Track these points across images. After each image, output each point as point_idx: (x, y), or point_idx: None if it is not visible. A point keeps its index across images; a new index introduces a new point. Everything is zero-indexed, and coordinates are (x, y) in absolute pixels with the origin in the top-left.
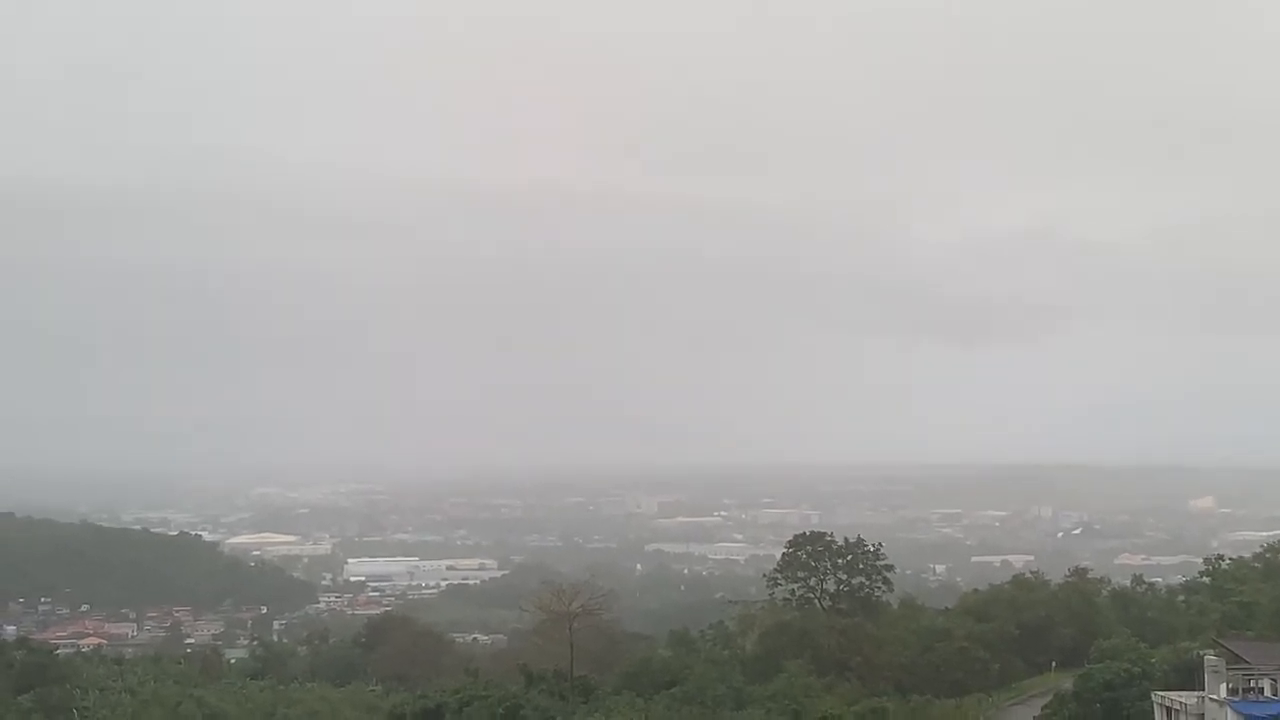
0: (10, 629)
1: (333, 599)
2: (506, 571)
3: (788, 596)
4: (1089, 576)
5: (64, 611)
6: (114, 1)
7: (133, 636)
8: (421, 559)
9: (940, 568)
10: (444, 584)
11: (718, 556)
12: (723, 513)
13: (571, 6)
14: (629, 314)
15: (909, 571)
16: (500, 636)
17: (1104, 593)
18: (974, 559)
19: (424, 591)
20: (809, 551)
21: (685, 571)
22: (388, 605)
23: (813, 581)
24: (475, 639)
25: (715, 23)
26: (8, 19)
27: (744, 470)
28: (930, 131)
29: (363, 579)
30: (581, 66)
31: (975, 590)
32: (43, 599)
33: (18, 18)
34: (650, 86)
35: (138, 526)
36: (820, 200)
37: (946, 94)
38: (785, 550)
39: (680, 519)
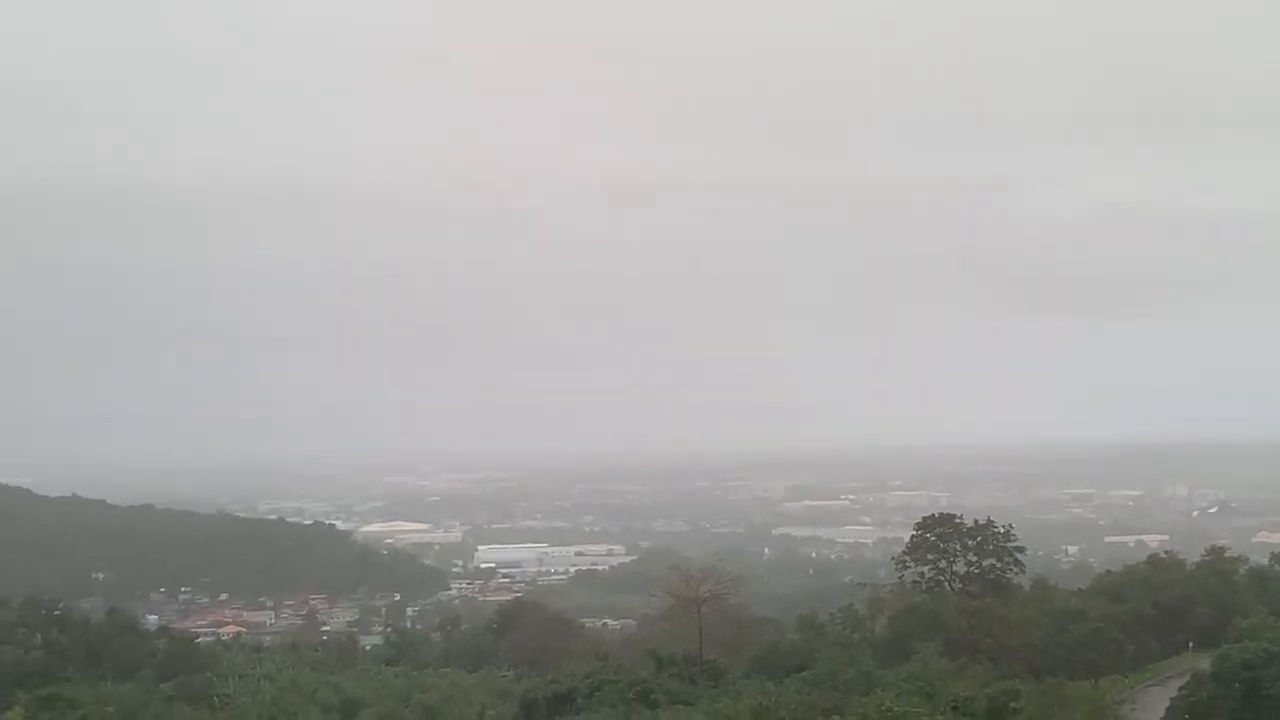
0: (152, 618)
1: (464, 586)
2: (634, 557)
3: (917, 579)
4: (1226, 555)
5: (204, 600)
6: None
7: (270, 624)
8: (550, 545)
9: (1073, 549)
10: (572, 570)
11: (845, 540)
12: (850, 496)
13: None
14: (753, 299)
15: (1040, 553)
16: (629, 621)
17: (1241, 571)
18: (1107, 539)
19: (553, 577)
20: (938, 534)
21: (813, 555)
22: (518, 591)
23: (942, 564)
24: (604, 624)
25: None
26: (93, 20)
27: (871, 453)
28: (1043, 105)
29: (493, 566)
30: (682, 58)
31: (1109, 571)
32: (183, 589)
33: (101, 19)
34: (752, 74)
35: (273, 517)
36: (936, 180)
37: (1058, 66)
38: (914, 533)
39: (807, 503)
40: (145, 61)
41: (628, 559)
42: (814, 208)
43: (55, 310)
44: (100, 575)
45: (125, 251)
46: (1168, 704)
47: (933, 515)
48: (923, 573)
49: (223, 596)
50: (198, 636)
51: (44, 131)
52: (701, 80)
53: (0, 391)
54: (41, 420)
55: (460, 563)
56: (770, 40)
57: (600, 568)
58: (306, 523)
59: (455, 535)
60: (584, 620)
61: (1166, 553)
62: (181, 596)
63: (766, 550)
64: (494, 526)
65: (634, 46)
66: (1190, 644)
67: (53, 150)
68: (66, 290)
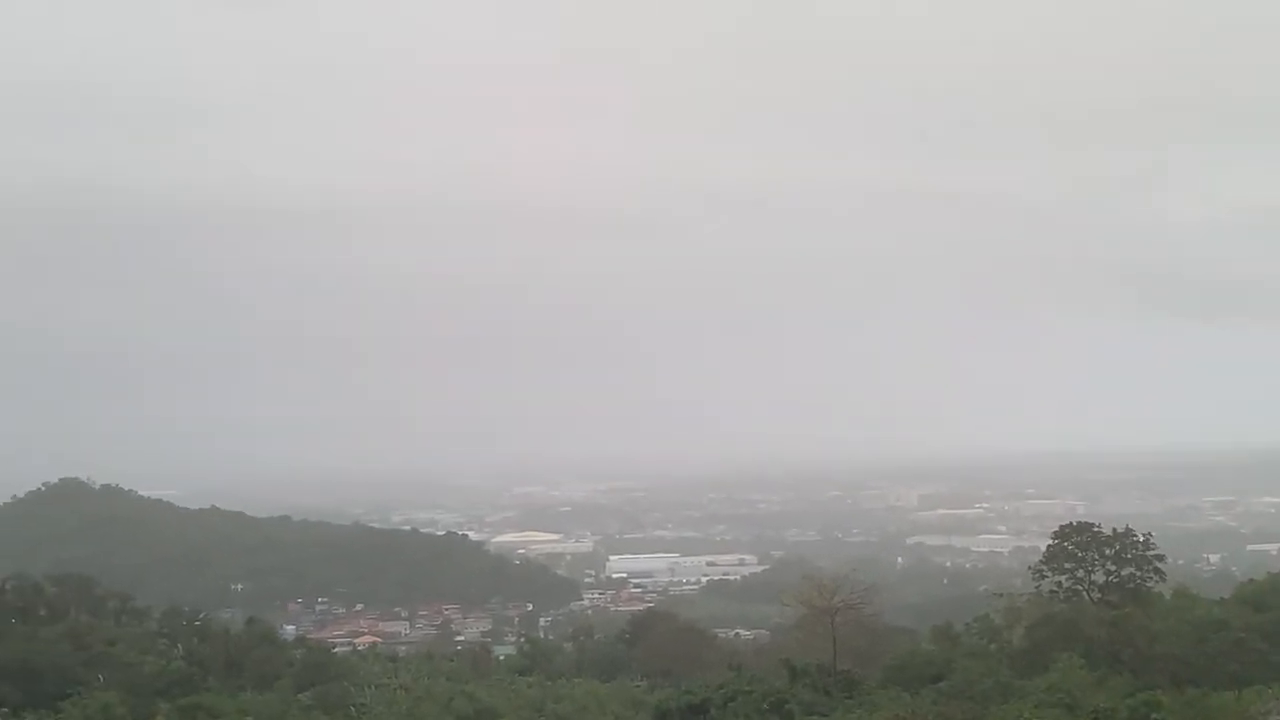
0: (289, 629)
1: (596, 596)
2: (766, 566)
3: (1054, 589)
4: None
5: (340, 611)
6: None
7: (405, 634)
8: (681, 555)
9: (1214, 557)
10: (704, 580)
11: (980, 549)
12: (984, 504)
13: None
14: (877, 305)
15: (1181, 561)
16: (762, 632)
17: None
18: (1249, 547)
19: (685, 587)
20: (1075, 542)
21: (947, 564)
22: (650, 601)
23: (1080, 573)
24: (737, 634)
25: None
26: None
27: (1005, 460)
28: (1181, 104)
29: (624, 576)
30: (811, 58)
31: (1251, 580)
32: (319, 599)
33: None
34: (874, 76)
35: (407, 527)
36: (1070, 180)
37: (1198, 63)
38: (1051, 542)
39: (941, 511)
40: (285, 75)
41: (759, 569)
42: (946, 209)
43: (192, 322)
44: (239, 586)
45: (261, 261)
46: None
47: (1070, 524)
48: (1060, 582)
49: (358, 607)
50: (334, 646)
51: (177, 143)
52: (830, 80)
53: (142, 404)
54: (181, 432)
55: (592, 573)
56: (897, 36)
57: (732, 577)
58: (439, 533)
59: (587, 545)
60: (716, 630)
61: None
62: (318, 607)
63: (900, 559)
64: (625, 536)
65: (760, 47)
66: None
67: (184, 163)
68: (202, 301)
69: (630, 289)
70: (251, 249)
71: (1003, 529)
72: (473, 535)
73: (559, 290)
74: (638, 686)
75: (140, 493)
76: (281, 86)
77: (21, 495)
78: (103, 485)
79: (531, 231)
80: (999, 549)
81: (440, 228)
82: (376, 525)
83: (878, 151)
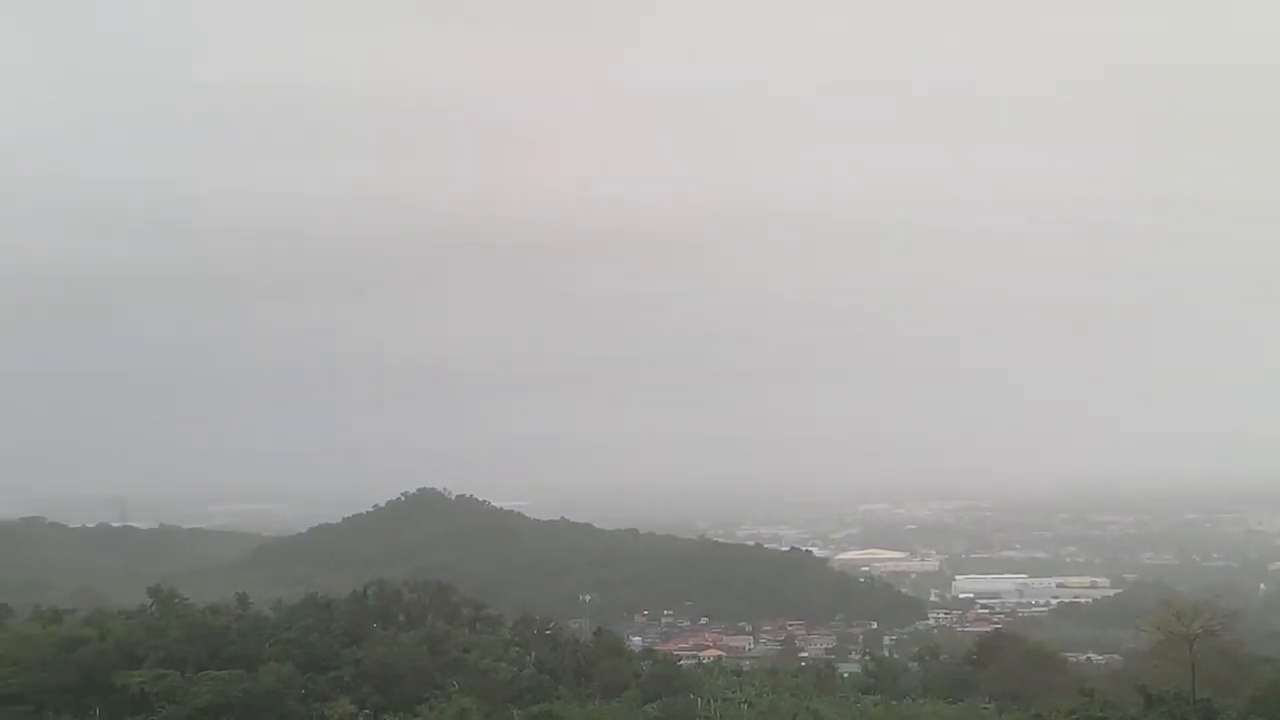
0: (636, 640)
1: (941, 615)
2: (1119, 590)
3: None
4: None
5: (685, 624)
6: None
7: (749, 649)
8: (1030, 576)
9: None
10: (1054, 602)
11: None
12: None
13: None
14: (1233, 317)
15: None
16: (1115, 657)
17: None
18: None
19: (1033, 609)
20: None
21: None
22: (997, 622)
23: None
24: (1089, 658)
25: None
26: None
27: None
28: None
29: (971, 596)
30: (1129, 74)
31: None
32: (665, 611)
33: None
34: (1154, 89)
35: (751, 542)
36: None
37: None
38: None
39: None
40: (606, 101)
41: (1112, 592)
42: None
43: (546, 341)
44: (587, 596)
45: (609, 283)
46: None
47: None
48: None
49: (703, 620)
50: (680, 659)
51: (518, 169)
52: (1157, 95)
53: (496, 419)
54: (533, 446)
55: (938, 592)
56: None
57: (1083, 600)
58: (784, 549)
59: (932, 564)
60: (1067, 654)
61: None
62: (664, 619)
63: (1263, 586)
64: (971, 556)
65: (1085, 65)
66: None
67: (533, 189)
68: (555, 322)
69: (977, 305)
70: (600, 271)
71: None
72: (816, 551)
73: (902, 307)
74: (986, 709)
75: (493, 504)
76: (609, 114)
77: (382, 505)
78: (458, 496)
79: (868, 250)
80: None
81: (777, 248)
82: (722, 540)
83: (1218, 165)
